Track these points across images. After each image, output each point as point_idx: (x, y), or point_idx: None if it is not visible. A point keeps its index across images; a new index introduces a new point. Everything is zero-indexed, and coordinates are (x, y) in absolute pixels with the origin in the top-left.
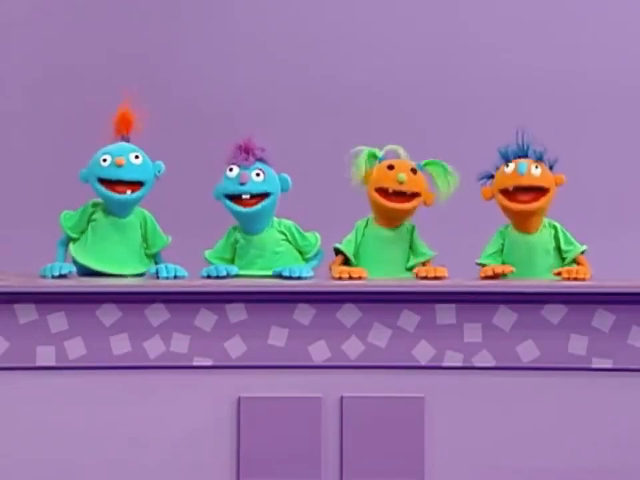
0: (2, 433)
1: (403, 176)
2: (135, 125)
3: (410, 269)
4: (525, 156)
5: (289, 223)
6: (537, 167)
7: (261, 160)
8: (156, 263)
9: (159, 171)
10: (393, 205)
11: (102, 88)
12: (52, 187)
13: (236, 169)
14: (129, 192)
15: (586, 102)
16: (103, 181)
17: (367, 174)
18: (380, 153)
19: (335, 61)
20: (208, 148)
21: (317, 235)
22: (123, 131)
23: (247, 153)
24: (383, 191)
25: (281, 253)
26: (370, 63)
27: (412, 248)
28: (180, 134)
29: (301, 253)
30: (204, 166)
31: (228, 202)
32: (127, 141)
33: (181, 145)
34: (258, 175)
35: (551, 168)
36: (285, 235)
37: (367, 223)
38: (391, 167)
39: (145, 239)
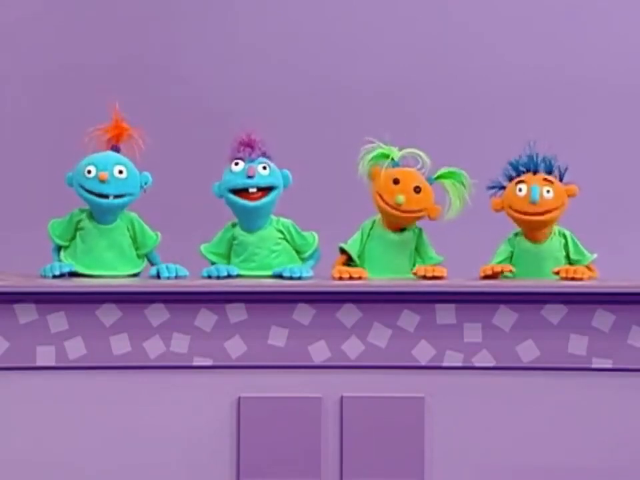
0: (2, 433)
1: (401, 199)
2: (128, 137)
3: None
4: (536, 169)
5: (287, 221)
6: (548, 192)
7: (264, 154)
8: (150, 262)
9: (145, 183)
10: (392, 211)
11: (104, 89)
12: (52, 188)
13: (242, 163)
14: (111, 197)
15: (586, 102)
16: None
17: (373, 171)
18: (396, 155)
19: (336, 59)
20: (208, 147)
21: (315, 234)
22: (114, 141)
23: (251, 147)
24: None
25: (278, 251)
26: (372, 60)
27: (419, 251)
28: (180, 133)
29: (298, 252)
30: (203, 165)
31: (232, 196)
32: (117, 150)
33: (182, 144)
34: (265, 168)
35: (561, 179)
36: (282, 233)
37: (372, 224)
38: (396, 182)
39: (134, 240)
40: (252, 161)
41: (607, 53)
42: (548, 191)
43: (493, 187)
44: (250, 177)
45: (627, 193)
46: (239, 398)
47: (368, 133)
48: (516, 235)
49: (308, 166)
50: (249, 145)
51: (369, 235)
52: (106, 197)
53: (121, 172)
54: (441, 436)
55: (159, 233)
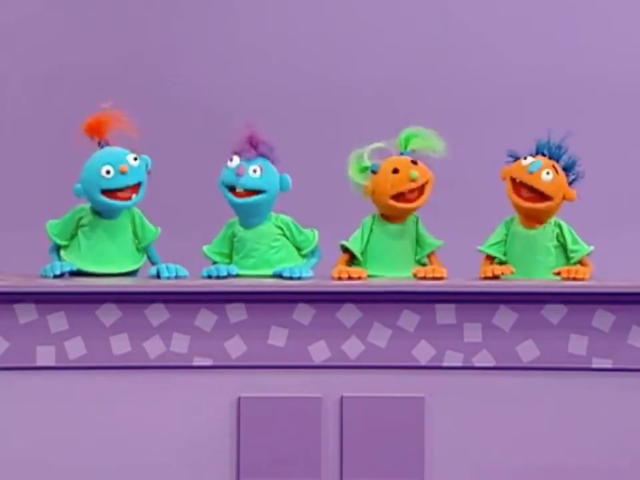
0: (2, 433)
1: (415, 173)
2: (109, 125)
3: (420, 261)
4: (558, 159)
5: (286, 218)
6: (548, 173)
7: (263, 156)
8: (149, 256)
9: (147, 165)
10: (416, 204)
11: (104, 89)
12: (53, 187)
13: (236, 160)
14: (134, 196)
15: (586, 102)
16: (104, 191)
17: (368, 188)
18: (368, 163)
19: (336, 59)
20: (208, 147)
21: (315, 231)
22: (97, 136)
23: (250, 146)
24: (400, 195)
25: (277, 247)
26: (372, 60)
27: (418, 239)
28: (180, 132)
29: (298, 249)
30: (203, 165)
31: (225, 190)
32: (107, 144)
33: (182, 144)
34: (255, 171)
35: (571, 182)
36: (282, 229)
37: (373, 219)
38: (395, 171)
39: (135, 234)
40: (247, 160)
41: (607, 52)
42: (548, 173)
43: (510, 156)
44: (238, 176)
45: (626, 192)
46: (239, 398)
47: (368, 133)
48: (512, 218)
49: (308, 166)
50: (251, 143)
51: (370, 231)
52: (128, 189)
53: (135, 159)
54: (441, 436)
55: (159, 228)
